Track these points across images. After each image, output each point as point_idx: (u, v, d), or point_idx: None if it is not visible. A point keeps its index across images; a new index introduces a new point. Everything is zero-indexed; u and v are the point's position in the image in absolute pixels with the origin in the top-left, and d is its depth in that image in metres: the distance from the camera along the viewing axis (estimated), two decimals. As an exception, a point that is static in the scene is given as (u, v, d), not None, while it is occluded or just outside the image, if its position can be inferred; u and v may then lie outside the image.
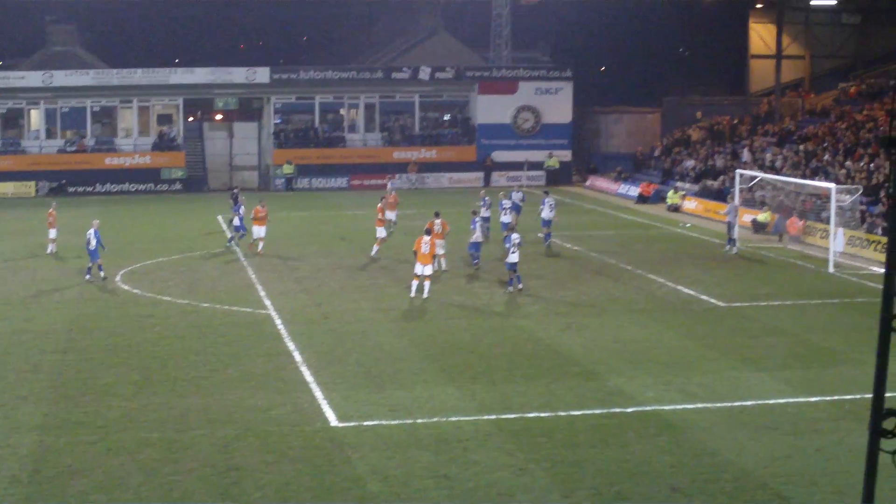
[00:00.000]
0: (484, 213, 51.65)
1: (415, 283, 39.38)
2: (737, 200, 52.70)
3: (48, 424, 25.12)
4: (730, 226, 51.19)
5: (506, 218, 49.61)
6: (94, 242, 42.81)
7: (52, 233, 49.31)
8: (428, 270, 39.31)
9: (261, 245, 48.80)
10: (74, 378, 29.03)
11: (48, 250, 49.16)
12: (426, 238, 39.44)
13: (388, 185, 60.42)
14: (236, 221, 51.24)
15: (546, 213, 50.98)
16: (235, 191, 59.22)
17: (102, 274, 43.20)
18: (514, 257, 40.11)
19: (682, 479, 21.92)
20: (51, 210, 50.03)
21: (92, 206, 67.47)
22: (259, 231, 48.88)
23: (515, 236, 40.68)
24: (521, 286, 40.54)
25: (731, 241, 50.90)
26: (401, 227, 55.01)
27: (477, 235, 45.26)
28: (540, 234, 52.32)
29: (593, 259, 48.69)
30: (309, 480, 21.76)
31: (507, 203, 50.58)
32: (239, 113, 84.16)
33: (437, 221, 44.17)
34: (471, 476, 21.93)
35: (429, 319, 36.57)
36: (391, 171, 79.87)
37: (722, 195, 64.21)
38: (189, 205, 70.83)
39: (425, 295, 39.04)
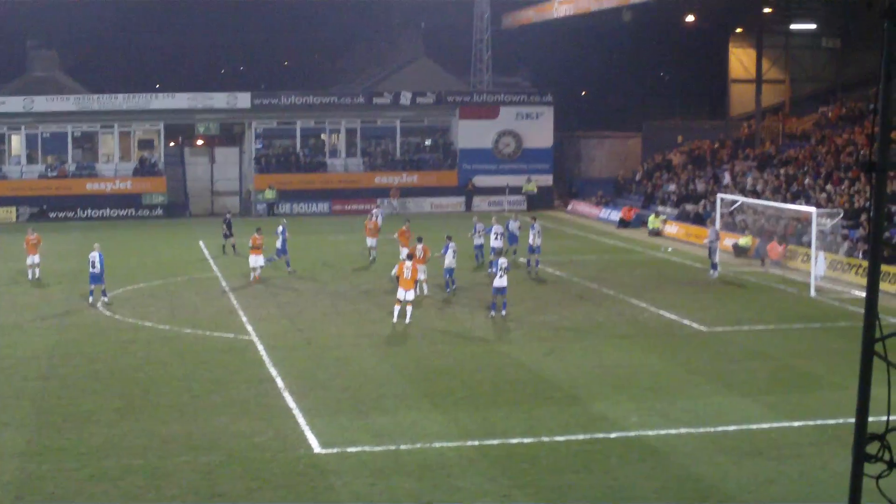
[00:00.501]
0: (477, 240, 51.62)
1: (397, 308, 39.30)
2: (717, 224, 52.82)
3: (30, 451, 24.99)
4: (711, 250, 51.32)
5: (496, 243, 49.57)
6: (98, 266, 42.98)
7: (34, 258, 49.05)
8: (410, 296, 39.26)
9: (257, 272, 48.50)
10: (56, 404, 28.92)
11: (30, 276, 48.91)
12: (408, 263, 39.45)
13: (374, 211, 60.43)
14: (278, 244, 51.53)
15: (533, 240, 50.98)
16: (228, 216, 59.24)
17: (105, 298, 43.33)
18: (501, 282, 40.12)
19: (666, 504, 21.94)
20: (28, 236, 49.66)
21: (73, 232, 67.34)
22: (256, 260, 48.52)
23: (503, 261, 40.78)
24: (504, 312, 40.53)
25: (713, 265, 51.02)
26: (383, 252, 54.97)
27: (450, 261, 45.23)
28: (522, 259, 52.42)
29: (575, 284, 48.73)
30: (292, 507, 21.72)
31: (499, 229, 50.50)
32: (220, 138, 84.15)
33: (420, 247, 44.18)
34: (454, 503, 21.88)
35: (412, 345, 36.53)
36: (372, 195, 79.76)
37: (700, 219, 64.45)
38: (170, 230, 70.70)
39: (408, 320, 39.00)
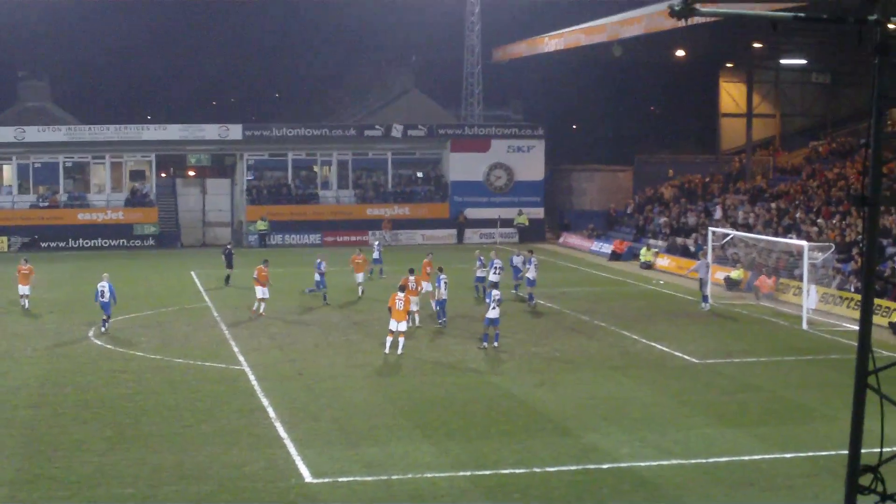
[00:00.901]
0: (479, 272, 51.45)
1: (389, 339, 39.27)
2: (709, 257, 52.89)
3: (20, 479, 24.92)
4: (702, 282, 51.40)
5: (494, 277, 49.52)
6: (108, 294, 43.22)
7: (25, 289, 49.03)
8: (402, 327, 39.21)
9: (262, 306, 47.80)
10: (47, 433, 28.83)
11: (24, 306, 48.82)
12: (400, 294, 39.43)
13: (375, 244, 61.02)
14: (316, 277, 51.82)
15: (531, 273, 50.96)
16: (229, 247, 59.24)
17: (104, 328, 43.54)
18: (493, 313, 40.11)
19: (658, 535, 21.90)
20: (21, 266, 49.64)
21: (65, 262, 67.35)
22: (262, 292, 47.82)
23: (496, 293, 40.79)
24: (496, 343, 40.54)
25: (705, 297, 51.09)
26: (375, 283, 54.98)
27: (442, 293, 45.24)
28: (514, 291, 52.52)
29: (568, 316, 48.74)
30: (284, 537, 21.65)
31: (499, 263, 50.41)
32: (212, 169, 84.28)
33: (412, 278, 44.22)
34: (447, 532, 21.84)
35: (403, 376, 36.47)
36: (364, 227, 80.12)
37: (689, 252, 64.54)
38: (162, 261, 70.68)
39: (400, 351, 38.98)
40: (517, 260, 53.59)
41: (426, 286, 48.03)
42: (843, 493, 10.17)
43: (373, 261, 59.06)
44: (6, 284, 53.90)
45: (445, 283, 45.30)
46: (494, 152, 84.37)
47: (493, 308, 40.10)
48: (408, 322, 40.42)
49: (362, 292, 53.23)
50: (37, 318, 47.34)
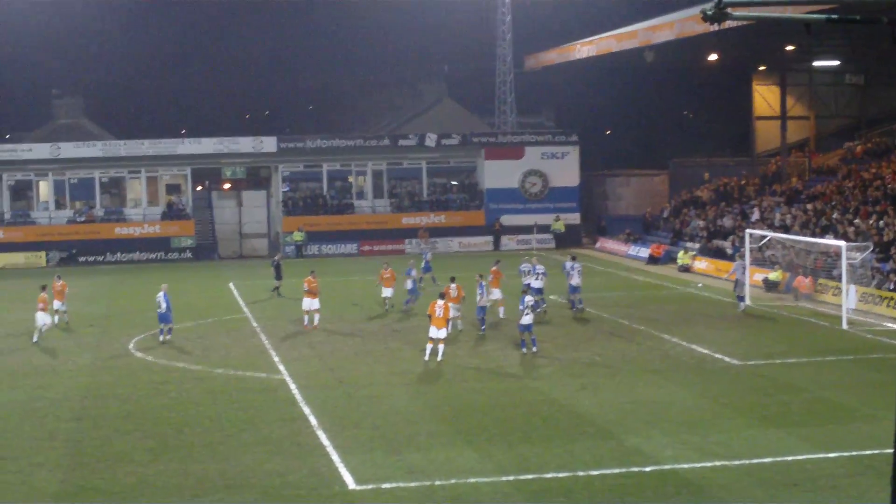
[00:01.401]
0: (534, 282, 50.76)
1: (429, 346, 39.32)
2: (746, 259, 52.69)
3: (64, 491, 25.06)
4: (738, 283, 51.23)
5: (537, 283, 49.29)
6: (164, 306, 43.70)
7: (58, 304, 48.87)
8: (442, 334, 39.25)
9: (316, 318, 47.35)
10: (90, 445, 28.96)
11: (55, 320, 48.66)
12: (440, 302, 39.46)
13: (426, 254, 60.51)
14: (409, 285, 51.97)
15: (575, 280, 50.45)
16: (277, 259, 59.28)
17: (168, 337, 44.15)
18: (527, 319, 40.15)
19: (703, 536, 21.82)
20: (55, 283, 49.37)
21: (103, 276, 67.63)
22: (311, 303, 47.34)
23: (529, 298, 40.69)
24: (535, 349, 40.56)
25: (741, 298, 50.91)
26: (428, 291, 54.89)
27: (484, 300, 45.20)
28: (562, 300, 52.27)
29: (606, 320, 48.63)
30: (329, 543, 21.68)
31: (540, 268, 50.15)
32: (247, 181, 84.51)
33: (453, 286, 44.19)
34: (491, 536, 21.83)
35: (443, 382, 36.46)
36: (400, 236, 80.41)
37: (723, 254, 64.31)
38: (199, 273, 70.94)
39: (440, 358, 39.03)
40: (570, 265, 51.33)
41: (496, 294, 48.44)
42: (888, 492, 10.13)
43: (423, 268, 58.44)
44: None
45: (486, 288, 45.33)
46: (528, 159, 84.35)
47: (527, 314, 40.12)
48: (448, 329, 40.42)
49: (390, 307, 51.87)
50: (77, 331, 47.51)
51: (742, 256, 53.31)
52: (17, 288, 61.75)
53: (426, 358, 39.22)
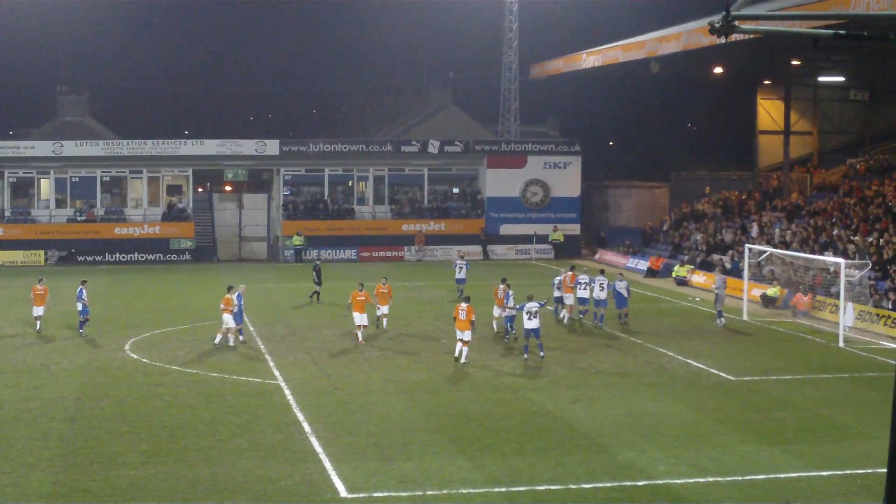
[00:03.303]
0: (581, 292, 50.40)
1: (458, 345, 40.55)
2: (744, 274, 52.62)
3: (57, 493, 25.05)
4: (718, 298, 51.08)
5: (583, 293, 50.28)
6: (237, 305, 43.99)
7: (39, 310, 47.45)
8: (466, 336, 40.48)
9: (362, 332, 45.58)
10: (83, 446, 28.94)
11: (37, 328, 47.58)
12: (463, 305, 40.77)
13: (458, 263, 58.04)
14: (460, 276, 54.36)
15: (596, 293, 49.63)
16: (318, 262, 59.23)
17: (242, 338, 44.70)
18: (532, 323, 40.68)
19: (694, 552, 21.79)
20: (35, 287, 48.05)
21: (101, 276, 67.55)
22: (361, 318, 45.18)
23: (532, 304, 40.78)
24: (542, 354, 41.25)
25: (720, 313, 50.88)
26: (411, 298, 54.74)
27: (511, 309, 45.16)
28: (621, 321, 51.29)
29: (603, 332, 48.57)
30: (319, 551, 21.65)
31: (584, 279, 50.51)
32: (248, 184, 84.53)
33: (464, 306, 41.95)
34: (481, 548, 21.80)
35: (438, 391, 36.42)
36: (400, 243, 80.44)
37: (712, 268, 64.19)
38: (198, 275, 70.89)
39: (463, 360, 40.18)
40: (620, 285, 50.18)
41: (568, 299, 50.01)
42: (881, 511, 10.10)
43: (457, 281, 57.33)
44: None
45: (513, 298, 45.39)
46: (531, 168, 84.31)
47: (531, 319, 40.53)
48: (472, 331, 41.12)
49: (382, 325, 48.53)
50: (73, 331, 47.37)
51: (723, 271, 53.31)
52: (14, 286, 61.60)
53: (455, 355, 40.69)
